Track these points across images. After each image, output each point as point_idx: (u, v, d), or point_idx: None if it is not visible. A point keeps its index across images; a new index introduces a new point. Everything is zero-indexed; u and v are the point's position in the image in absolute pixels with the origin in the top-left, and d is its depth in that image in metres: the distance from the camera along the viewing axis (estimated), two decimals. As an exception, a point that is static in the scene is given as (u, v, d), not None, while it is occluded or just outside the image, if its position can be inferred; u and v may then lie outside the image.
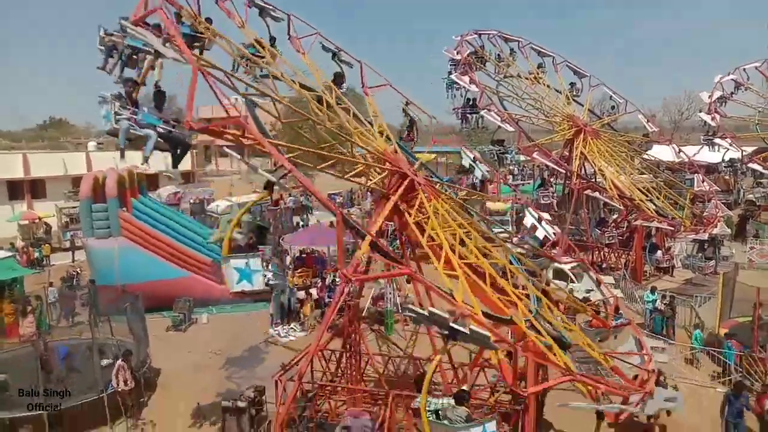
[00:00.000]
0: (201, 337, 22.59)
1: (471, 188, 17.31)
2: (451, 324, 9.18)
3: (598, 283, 14.76)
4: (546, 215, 16.72)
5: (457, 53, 28.17)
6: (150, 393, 17.48)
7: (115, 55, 10.92)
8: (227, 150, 10.62)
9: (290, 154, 11.66)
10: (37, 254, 33.87)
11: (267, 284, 11.07)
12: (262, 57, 13.67)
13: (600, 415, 13.98)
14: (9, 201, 42.89)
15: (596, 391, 11.54)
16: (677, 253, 31.21)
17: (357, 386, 15.24)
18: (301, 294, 24.69)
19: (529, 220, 15.81)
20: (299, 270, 28.99)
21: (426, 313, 9.37)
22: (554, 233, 16.43)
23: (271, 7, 14.75)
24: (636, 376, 13.58)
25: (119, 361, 15.63)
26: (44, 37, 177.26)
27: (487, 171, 17.60)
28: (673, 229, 27.27)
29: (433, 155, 44.32)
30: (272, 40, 14.87)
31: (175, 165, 11.21)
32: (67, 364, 16.85)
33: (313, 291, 25.19)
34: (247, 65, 13.41)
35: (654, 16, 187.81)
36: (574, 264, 18.00)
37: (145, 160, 10.41)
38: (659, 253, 30.10)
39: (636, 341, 14.19)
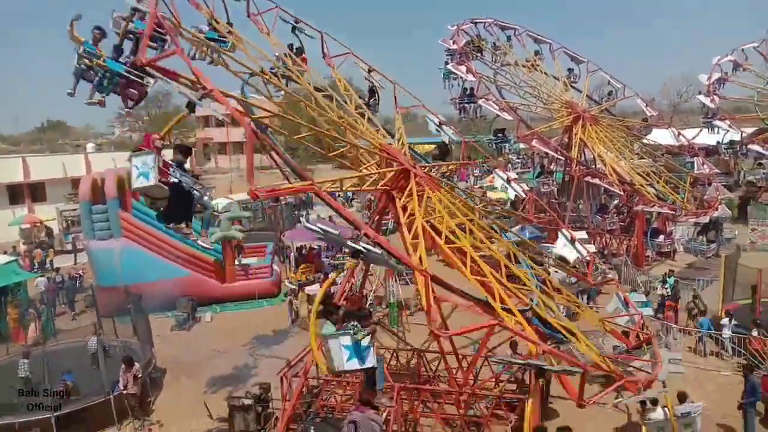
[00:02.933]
0: (205, 335, 22.59)
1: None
2: (348, 242, 9.24)
3: (572, 240, 14.71)
4: (512, 174, 16.79)
5: (453, 43, 28.07)
6: (156, 393, 17.54)
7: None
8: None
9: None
10: (44, 257, 33.84)
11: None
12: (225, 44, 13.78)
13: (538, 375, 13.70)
14: (10, 205, 42.88)
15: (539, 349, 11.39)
16: (678, 237, 31.24)
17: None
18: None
19: (498, 182, 15.93)
20: (302, 267, 29.00)
21: (320, 230, 9.38)
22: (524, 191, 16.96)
23: (304, 24, 15.33)
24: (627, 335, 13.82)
25: (122, 365, 15.72)
26: (40, 39, 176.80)
27: (454, 134, 17.51)
28: (673, 213, 27.25)
29: (434, 145, 44.41)
30: (300, 50, 15.32)
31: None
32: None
33: (312, 288, 25.16)
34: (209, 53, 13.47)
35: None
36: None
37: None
38: (661, 237, 30.10)
39: (621, 300, 14.23)
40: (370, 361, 9.20)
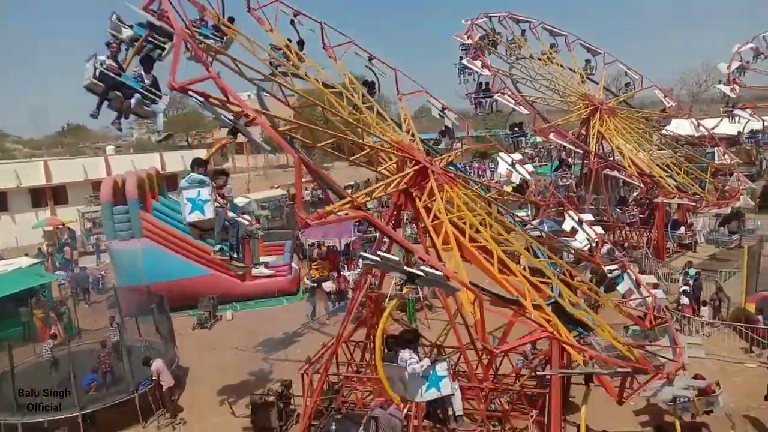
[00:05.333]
0: (226, 333, 22.86)
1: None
2: (405, 267, 9.03)
3: (638, 284, 14.54)
4: (588, 216, 16.02)
5: (468, 37, 27.92)
6: (179, 391, 17.76)
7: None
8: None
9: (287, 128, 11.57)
10: (59, 260, 34.24)
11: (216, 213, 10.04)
12: (289, 59, 13.84)
13: (586, 380, 14.12)
14: (33, 208, 43.57)
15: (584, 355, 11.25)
16: (700, 229, 30.87)
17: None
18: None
19: (569, 223, 15.32)
20: (314, 264, 29.05)
21: (378, 258, 9.07)
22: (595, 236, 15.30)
23: (304, 15, 15.27)
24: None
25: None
26: (57, 45, 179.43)
27: (456, 118, 17.19)
28: (694, 204, 26.91)
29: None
30: (300, 44, 15.13)
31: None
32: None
33: (327, 284, 25.26)
34: (275, 67, 13.60)
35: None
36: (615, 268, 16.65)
37: (160, 135, 11.13)
38: (681, 229, 29.74)
39: (632, 281, 14.08)
40: (447, 389, 8.88)
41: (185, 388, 18.24)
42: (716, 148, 29.76)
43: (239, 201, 41.30)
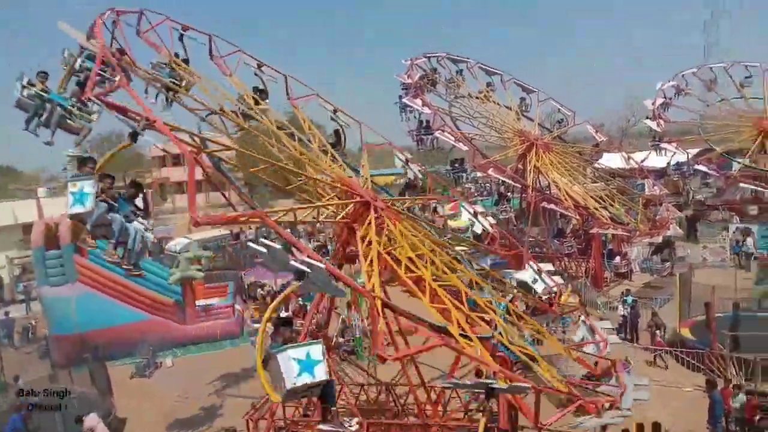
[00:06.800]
0: (167, 381, 21.90)
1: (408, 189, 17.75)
2: (292, 261, 8.78)
3: (539, 271, 14.93)
4: (548, 266, 16.55)
5: (408, 77, 28.63)
6: (117, 444, 16.90)
7: None
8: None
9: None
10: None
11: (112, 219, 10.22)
12: (180, 83, 13.53)
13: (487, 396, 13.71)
14: (-43, 255, 41.11)
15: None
16: (634, 258, 32.04)
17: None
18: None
19: (530, 274, 15.69)
20: (254, 305, 28.48)
21: (264, 249, 8.76)
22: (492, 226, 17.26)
23: (268, 66, 15.50)
24: (596, 364, 13.93)
25: None
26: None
27: (420, 171, 17.62)
28: (628, 234, 27.99)
29: (393, 177, 44.82)
30: (185, 60, 14.67)
31: None
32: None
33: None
34: (164, 91, 13.27)
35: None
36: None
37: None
38: (617, 258, 30.84)
39: (588, 328, 14.43)
40: (322, 375, 8.37)
41: (123, 440, 17.37)
42: (646, 179, 31.21)
43: (180, 241, 40.40)
